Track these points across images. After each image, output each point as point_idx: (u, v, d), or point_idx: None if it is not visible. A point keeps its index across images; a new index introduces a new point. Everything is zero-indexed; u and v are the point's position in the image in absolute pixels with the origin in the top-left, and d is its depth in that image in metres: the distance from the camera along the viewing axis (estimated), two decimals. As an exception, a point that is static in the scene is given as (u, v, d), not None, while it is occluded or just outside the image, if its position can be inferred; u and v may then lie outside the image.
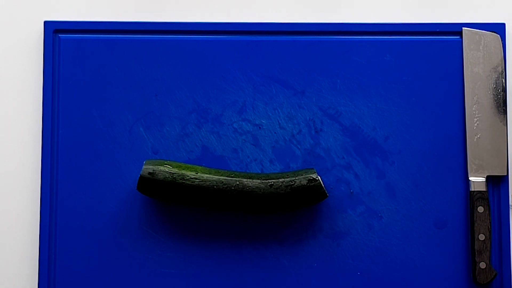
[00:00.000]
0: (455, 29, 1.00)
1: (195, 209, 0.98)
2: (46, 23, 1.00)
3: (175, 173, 0.92)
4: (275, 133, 1.00)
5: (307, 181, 0.93)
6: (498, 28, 1.00)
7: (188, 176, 0.93)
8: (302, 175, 0.94)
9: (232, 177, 0.93)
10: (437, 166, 0.99)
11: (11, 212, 1.00)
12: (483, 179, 0.98)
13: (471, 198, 0.97)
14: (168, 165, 0.93)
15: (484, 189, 0.97)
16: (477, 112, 0.99)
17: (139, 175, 0.93)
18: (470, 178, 0.98)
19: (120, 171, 0.98)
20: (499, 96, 0.99)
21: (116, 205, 0.97)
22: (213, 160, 0.99)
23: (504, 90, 1.00)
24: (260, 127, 1.00)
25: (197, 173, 0.93)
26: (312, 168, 0.96)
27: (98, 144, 0.99)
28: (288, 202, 0.93)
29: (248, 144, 0.99)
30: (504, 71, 1.00)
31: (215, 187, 0.92)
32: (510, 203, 0.99)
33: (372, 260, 0.98)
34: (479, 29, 1.00)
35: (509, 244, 0.98)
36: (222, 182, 0.92)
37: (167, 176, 0.92)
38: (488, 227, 0.97)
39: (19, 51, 1.01)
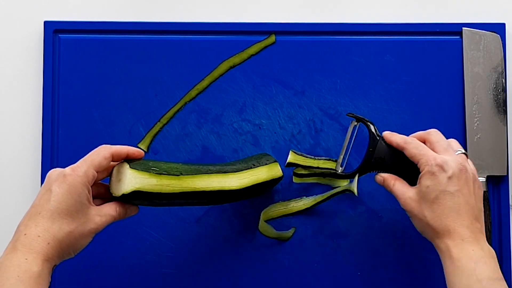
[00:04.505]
0: (455, 29, 1.00)
1: (195, 209, 0.98)
2: (46, 23, 1.00)
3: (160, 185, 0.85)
4: (275, 133, 1.00)
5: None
6: (498, 28, 1.00)
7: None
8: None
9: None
10: (437, 166, 0.99)
11: (11, 212, 1.00)
12: (483, 179, 0.98)
13: (471, 198, 0.97)
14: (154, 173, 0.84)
15: (484, 189, 0.97)
16: (477, 112, 0.99)
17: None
18: (470, 178, 0.98)
19: (120, 171, 0.98)
20: (499, 96, 0.99)
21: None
22: (213, 160, 0.99)
23: (504, 90, 1.00)
24: (260, 127, 1.00)
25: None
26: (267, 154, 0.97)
27: (98, 144, 0.98)
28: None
29: (248, 144, 0.99)
30: (504, 71, 1.00)
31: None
32: (510, 203, 0.99)
33: (372, 260, 0.98)
34: (479, 29, 1.00)
35: (509, 244, 0.98)
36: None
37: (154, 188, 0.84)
38: (488, 227, 0.96)
39: (19, 51, 1.01)
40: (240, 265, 0.98)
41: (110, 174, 0.85)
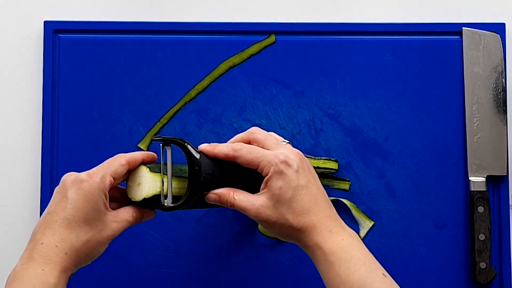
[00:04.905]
0: (455, 29, 1.00)
1: (195, 209, 0.98)
2: (46, 23, 1.00)
3: None
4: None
5: None
6: (498, 28, 1.00)
7: None
8: None
9: None
10: (437, 166, 0.99)
11: (11, 212, 1.00)
12: (483, 179, 0.98)
13: (471, 198, 0.97)
14: None
15: (484, 189, 0.97)
16: (477, 112, 0.99)
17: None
18: (470, 178, 0.98)
19: (120, 171, 0.98)
20: (499, 96, 0.99)
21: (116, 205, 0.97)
22: (213, 160, 0.99)
23: (504, 90, 1.00)
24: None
25: None
26: None
27: (98, 144, 0.99)
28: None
29: (248, 144, 0.99)
30: (504, 71, 1.00)
31: None
32: (510, 203, 0.99)
33: (372, 260, 0.98)
34: (479, 29, 1.00)
35: (509, 244, 0.98)
36: None
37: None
38: (488, 227, 0.97)
39: (19, 51, 1.01)
40: (240, 265, 0.98)
41: (126, 179, 0.83)
